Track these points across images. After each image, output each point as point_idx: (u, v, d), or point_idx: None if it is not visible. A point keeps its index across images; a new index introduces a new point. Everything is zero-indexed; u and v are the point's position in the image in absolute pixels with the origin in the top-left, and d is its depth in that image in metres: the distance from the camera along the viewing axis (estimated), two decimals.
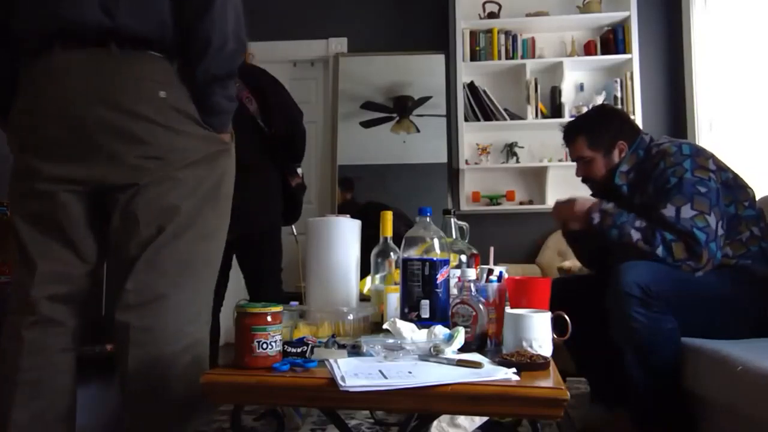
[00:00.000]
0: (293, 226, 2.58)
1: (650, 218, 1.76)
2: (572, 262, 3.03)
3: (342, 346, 1.16)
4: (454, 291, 1.40)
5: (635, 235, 1.73)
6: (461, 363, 1.07)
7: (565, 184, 3.78)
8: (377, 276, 1.57)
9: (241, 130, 2.23)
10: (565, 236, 2.09)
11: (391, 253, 1.56)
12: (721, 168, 1.82)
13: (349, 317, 1.36)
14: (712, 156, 1.84)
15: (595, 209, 1.83)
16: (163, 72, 1.26)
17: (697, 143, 1.96)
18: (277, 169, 2.39)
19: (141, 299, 1.23)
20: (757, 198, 1.88)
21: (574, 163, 2.08)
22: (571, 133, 2.06)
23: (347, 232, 1.54)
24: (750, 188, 1.86)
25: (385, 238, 1.57)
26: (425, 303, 1.30)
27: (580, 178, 2.09)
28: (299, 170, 2.53)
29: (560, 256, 3.63)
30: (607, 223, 1.79)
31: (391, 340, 1.16)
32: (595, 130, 2.00)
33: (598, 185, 2.04)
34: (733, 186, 1.82)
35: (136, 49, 1.22)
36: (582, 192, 2.06)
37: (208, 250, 1.34)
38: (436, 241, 1.35)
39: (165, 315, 1.25)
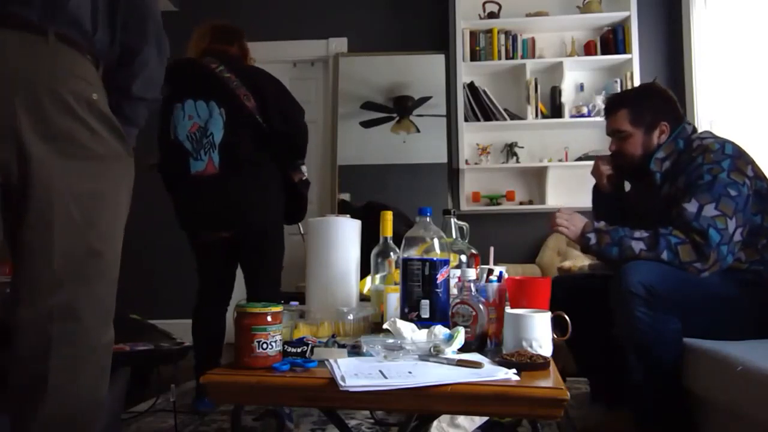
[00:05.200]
0: (300, 225, 2.56)
1: (670, 212, 1.73)
2: (572, 262, 3.03)
3: (342, 346, 1.17)
4: (454, 291, 1.40)
5: (637, 246, 1.70)
6: (461, 363, 1.07)
7: (565, 184, 3.79)
8: (377, 276, 1.57)
9: (239, 126, 2.27)
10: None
11: (391, 253, 1.56)
12: (758, 176, 1.77)
13: (349, 317, 1.36)
14: (753, 162, 1.78)
15: (589, 229, 1.80)
16: (93, 74, 1.23)
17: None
18: (278, 166, 2.39)
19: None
20: None
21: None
22: (614, 105, 1.98)
23: (347, 232, 1.54)
24: None
25: (385, 238, 1.57)
26: (425, 303, 1.30)
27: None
28: (303, 167, 2.52)
29: (560, 256, 3.63)
30: (605, 241, 1.75)
31: (391, 340, 1.16)
32: (639, 105, 1.93)
33: (627, 164, 1.97)
34: (765, 196, 1.76)
35: (70, 46, 1.18)
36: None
37: None
38: (436, 241, 1.35)
39: None
